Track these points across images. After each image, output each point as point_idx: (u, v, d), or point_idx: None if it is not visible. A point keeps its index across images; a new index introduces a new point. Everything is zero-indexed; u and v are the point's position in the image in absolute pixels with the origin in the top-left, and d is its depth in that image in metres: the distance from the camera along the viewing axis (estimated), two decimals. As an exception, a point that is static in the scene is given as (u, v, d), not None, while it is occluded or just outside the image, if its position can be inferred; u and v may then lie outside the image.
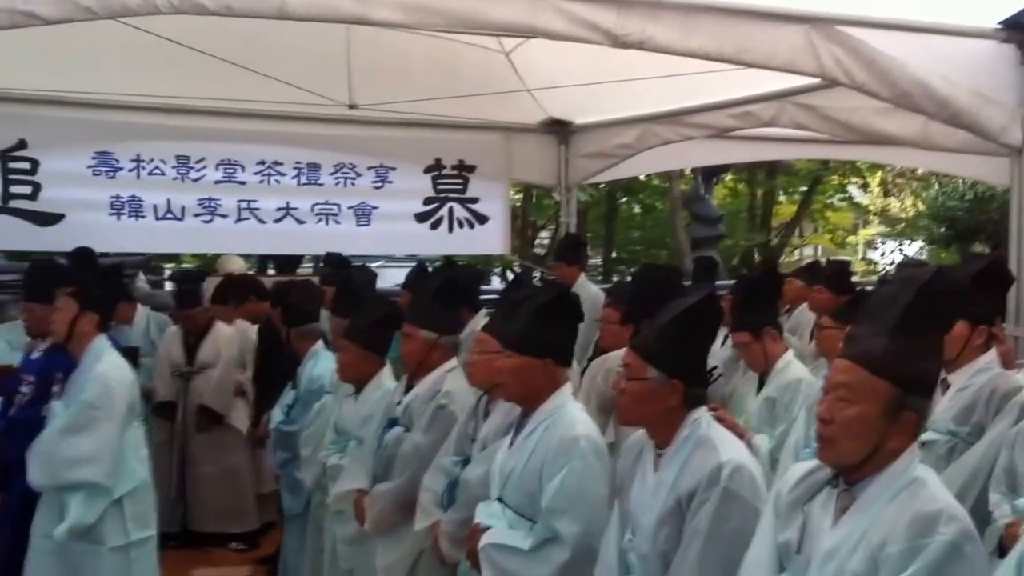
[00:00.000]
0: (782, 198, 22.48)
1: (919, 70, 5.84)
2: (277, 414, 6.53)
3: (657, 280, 6.02)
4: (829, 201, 22.32)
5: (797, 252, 25.00)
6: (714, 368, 3.64)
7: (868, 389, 2.69)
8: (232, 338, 8.24)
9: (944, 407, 4.59)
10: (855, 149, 9.63)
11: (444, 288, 5.21)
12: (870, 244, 26.19)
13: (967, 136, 6.19)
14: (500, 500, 3.97)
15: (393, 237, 9.78)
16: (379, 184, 9.54)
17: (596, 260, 21.95)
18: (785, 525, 2.89)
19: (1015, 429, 4.22)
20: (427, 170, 9.70)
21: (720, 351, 6.23)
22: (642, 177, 18.31)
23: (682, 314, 3.46)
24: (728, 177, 20.79)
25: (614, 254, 21.95)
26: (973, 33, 6.14)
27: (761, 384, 5.61)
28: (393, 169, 9.57)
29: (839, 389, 2.73)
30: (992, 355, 4.69)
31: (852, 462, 2.71)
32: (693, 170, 17.07)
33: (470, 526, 4.07)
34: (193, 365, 8.11)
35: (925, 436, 4.44)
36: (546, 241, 21.68)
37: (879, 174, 22.00)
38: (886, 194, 23.77)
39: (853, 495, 2.74)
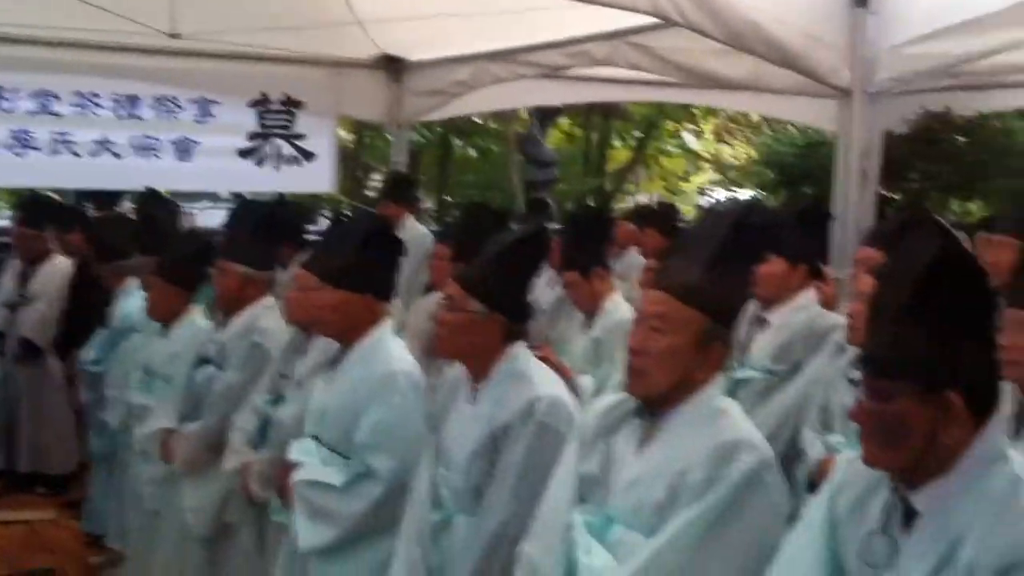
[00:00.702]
0: (617, 143, 22.62)
1: (751, 10, 5.81)
2: (88, 353, 6.31)
3: (488, 215, 5.95)
4: (663, 147, 22.51)
5: (631, 199, 25.23)
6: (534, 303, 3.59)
7: (680, 319, 2.66)
8: (66, 271, 7.77)
9: (761, 345, 4.61)
10: (689, 92, 9.63)
11: (262, 223, 5.01)
12: (703, 191, 26.54)
13: (798, 78, 6.21)
14: (315, 437, 3.86)
15: (216, 173, 9.46)
16: (202, 118, 9.19)
17: (432, 205, 21.80)
18: (588, 456, 2.85)
19: (832, 367, 4.26)
20: (252, 104, 9.33)
21: (548, 293, 6.20)
22: (479, 120, 18.19)
23: (507, 248, 3.43)
24: (563, 120, 20.80)
25: (448, 198, 21.81)
26: (807, -28, 6.14)
27: (588, 325, 5.59)
28: (216, 103, 9.20)
29: (652, 319, 2.69)
30: (811, 294, 4.72)
31: (661, 393, 2.68)
32: (529, 112, 17.03)
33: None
34: (24, 295, 7.71)
35: (742, 374, 4.49)
36: (379, 184, 21.42)
37: (712, 120, 22.29)
38: (719, 141, 24.11)
39: (658, 426, 2.71)
